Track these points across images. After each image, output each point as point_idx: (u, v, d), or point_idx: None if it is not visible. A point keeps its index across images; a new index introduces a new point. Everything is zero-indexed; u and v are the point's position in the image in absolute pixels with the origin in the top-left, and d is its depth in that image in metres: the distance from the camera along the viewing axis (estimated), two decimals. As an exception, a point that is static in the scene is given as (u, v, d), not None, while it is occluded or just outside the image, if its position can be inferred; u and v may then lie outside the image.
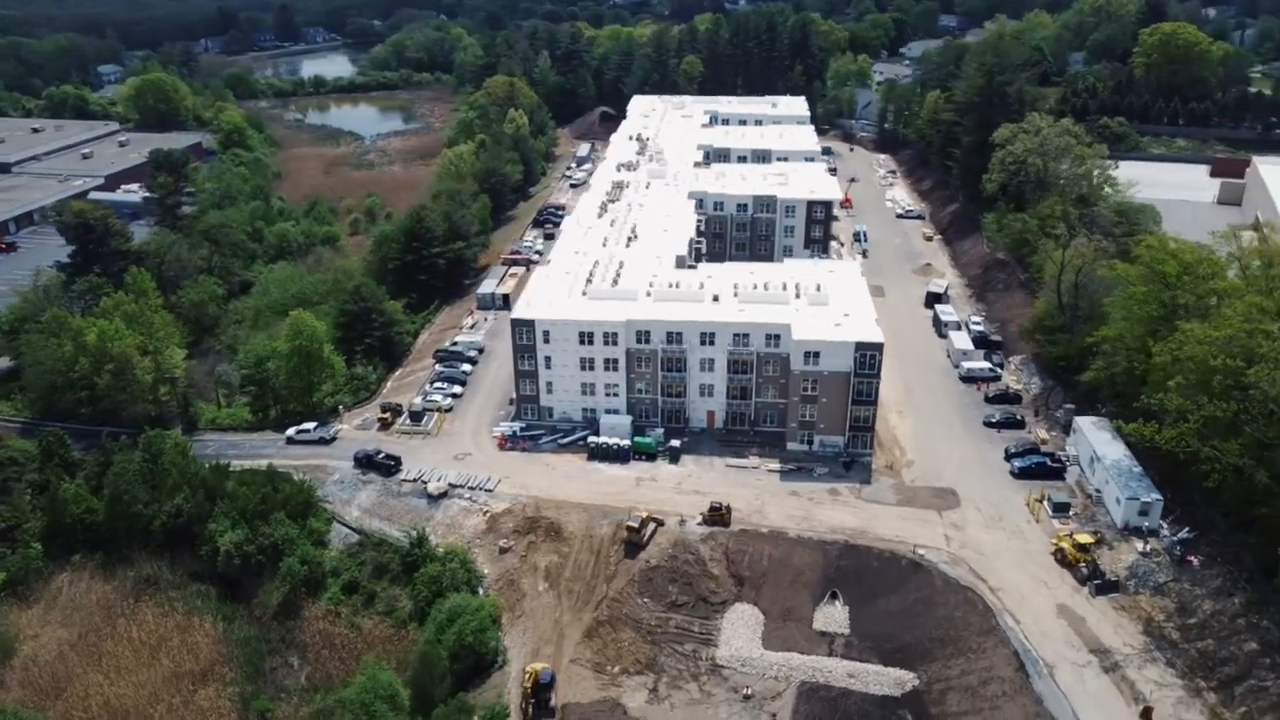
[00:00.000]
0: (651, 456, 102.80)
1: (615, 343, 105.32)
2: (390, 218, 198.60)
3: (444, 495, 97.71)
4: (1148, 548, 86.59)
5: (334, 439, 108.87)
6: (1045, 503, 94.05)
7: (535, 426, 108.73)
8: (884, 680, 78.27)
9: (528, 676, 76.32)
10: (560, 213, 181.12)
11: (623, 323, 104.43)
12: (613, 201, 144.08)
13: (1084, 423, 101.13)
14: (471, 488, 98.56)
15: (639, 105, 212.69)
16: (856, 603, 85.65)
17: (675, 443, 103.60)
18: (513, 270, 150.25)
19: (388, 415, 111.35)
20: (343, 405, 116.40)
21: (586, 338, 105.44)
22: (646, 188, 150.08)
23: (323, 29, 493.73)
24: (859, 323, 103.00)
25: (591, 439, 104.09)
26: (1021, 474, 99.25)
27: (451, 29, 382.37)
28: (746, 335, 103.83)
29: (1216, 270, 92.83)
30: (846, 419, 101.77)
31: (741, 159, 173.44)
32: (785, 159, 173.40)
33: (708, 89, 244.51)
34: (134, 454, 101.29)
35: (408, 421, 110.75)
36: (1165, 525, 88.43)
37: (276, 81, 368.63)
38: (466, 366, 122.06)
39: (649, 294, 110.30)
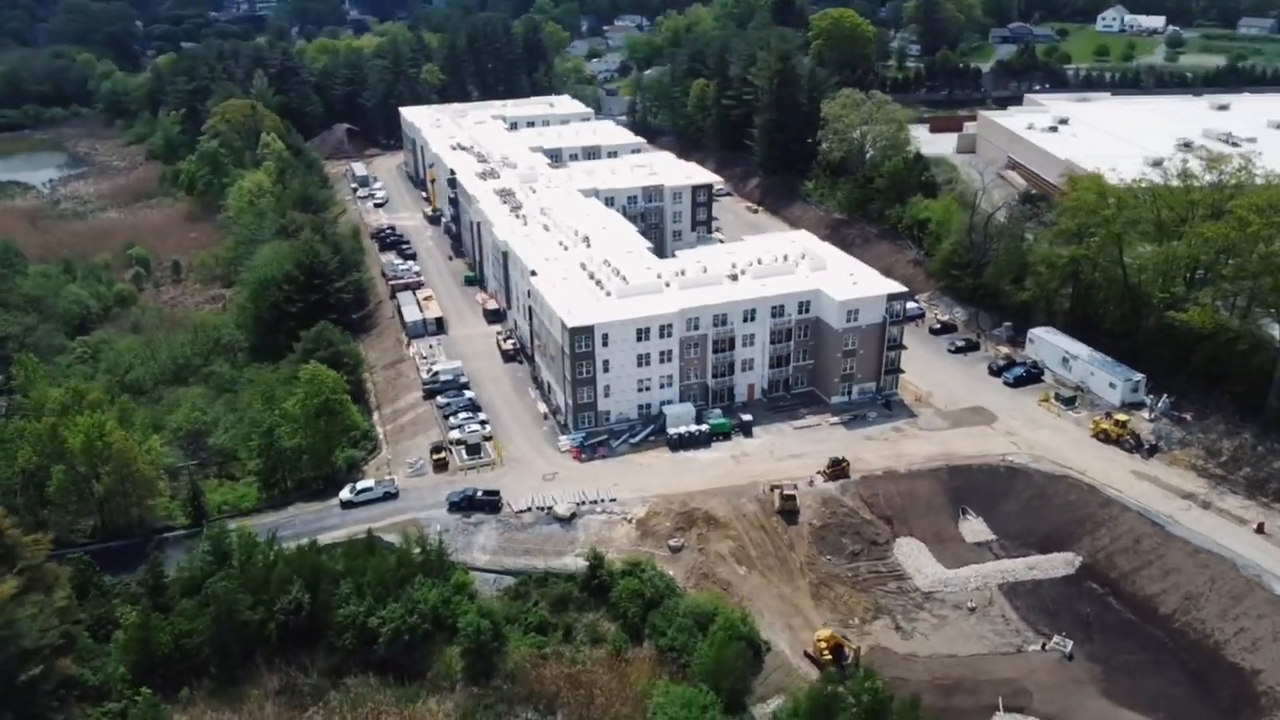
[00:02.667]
0: (726, 435, 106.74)
1: (669, 334, 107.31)
2: (180, 266, 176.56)
3: (574, 515, 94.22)
4: (1151, 416, 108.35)
5: (398, 494, 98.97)
6: (1054, 401, 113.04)
7: (595, 433, 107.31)
8: (1057, 564, 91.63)
9: (825, 644, 78.90)
10: (396, 234, 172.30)
11: (676, 313, 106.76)
12: (518, 209, 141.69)
13: (1039, 332, 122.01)
14: (593, 501, 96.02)
15: (420, 116, 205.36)
16: (985, 512, 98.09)
17: (747, 417, 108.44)
18: (422, 294, 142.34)
19: (443, 455, 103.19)
20: (360, 460, 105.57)
21: (643, 334, 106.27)
22: (533, 192, 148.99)
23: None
24: (870, 278, 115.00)
25: (671, 430, 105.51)
26: (1015, 383, 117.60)
27: (75, 54, 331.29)
28: (782, 306, 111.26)
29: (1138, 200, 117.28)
30: (881, 366, 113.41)
31: (574, 157, 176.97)
32: (614, 154, 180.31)
33: (449, 96, 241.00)
34: (196, 557, 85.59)
35: (465, 457, 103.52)
36: (1149, 398, 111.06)
37: None
38: (470, 393, 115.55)
39: (669, 285, 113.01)
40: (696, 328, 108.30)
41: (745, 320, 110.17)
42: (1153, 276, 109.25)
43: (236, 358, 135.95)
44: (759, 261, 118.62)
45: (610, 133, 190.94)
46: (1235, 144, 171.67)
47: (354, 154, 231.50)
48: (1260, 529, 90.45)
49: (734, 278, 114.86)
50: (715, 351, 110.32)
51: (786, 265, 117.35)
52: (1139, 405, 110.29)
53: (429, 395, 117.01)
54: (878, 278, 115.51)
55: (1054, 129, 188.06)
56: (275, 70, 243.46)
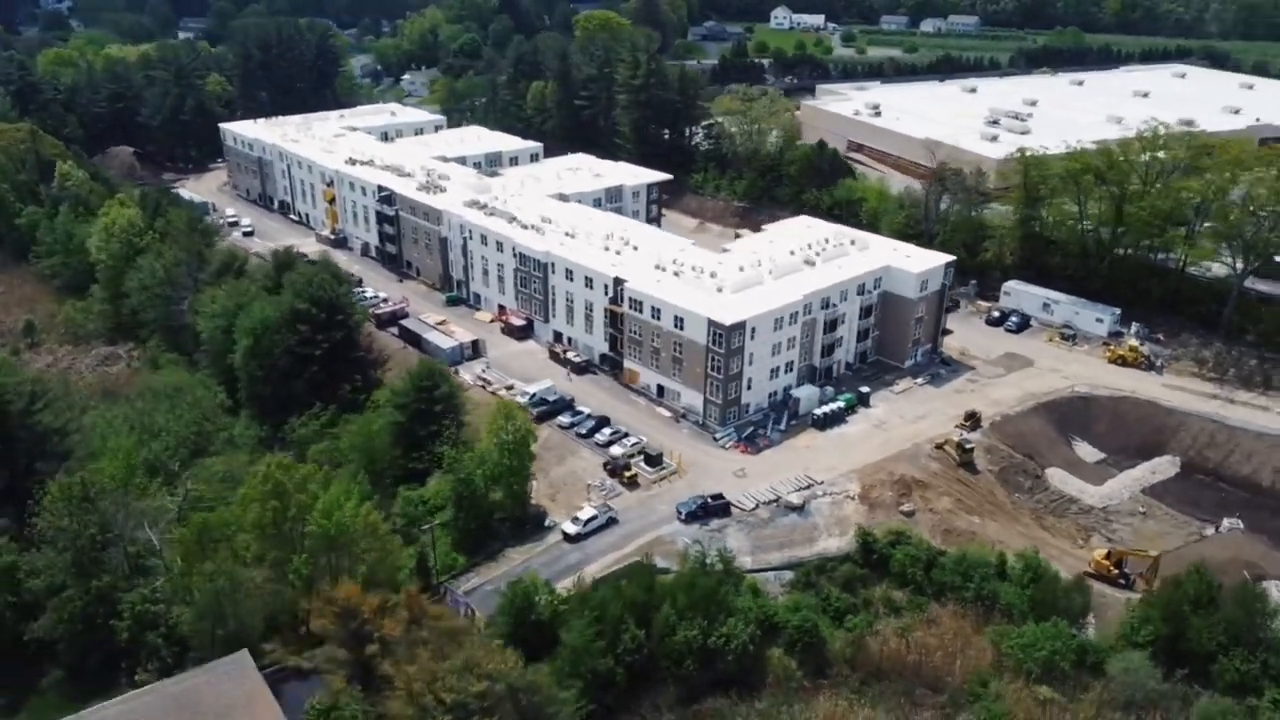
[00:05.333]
0: (852, 408, 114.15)
1: (795, 321, 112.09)
2: (34, 327, 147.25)
3: (805, 503, 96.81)
4: (1135, 341, 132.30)
5: (614, 519, 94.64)
6: (1060, 339, 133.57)
7: (741, 426, 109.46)
8: (1165, 466, 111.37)
9: (1109, 560, 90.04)
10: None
11: (801, 301, 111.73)
12: (514, 219, 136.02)
13: (1014, 285, 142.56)
14: (805, 487, 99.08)
15: (259, 132, 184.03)
16: (1085, 436, 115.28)
17: (865, 389, 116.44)
18: (435, 319, 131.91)
19: (634, 472, 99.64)
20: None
21: (779, 323, 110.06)
22: (504, 202, 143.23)
23: None
24: (914, 252, 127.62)
25: (817, 412, 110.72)
26: (1017, 330, 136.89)
27: None
28: (863, 285, 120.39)
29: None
30: (939, 328, 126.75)
31: (477, 165, 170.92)
32: (515, 160, 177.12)
33: (239, 109, 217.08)
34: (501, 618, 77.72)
35: (649, 469, 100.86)
36: (1125, 328, 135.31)
37: None
38: (585, 408, 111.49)
39: (769, 274, 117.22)
40: (810, 312, 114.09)
41: (842, 300, 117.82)
42: (1136, 226, 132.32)
43: (243, 416, 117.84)
44: (809, 247, 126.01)
45: (496, 138, 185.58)
46: (1021, 118, 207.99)
47: (151, 179, 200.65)
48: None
49: (810, 263, 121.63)
50: (826, 332, 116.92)
51: (842, 249, 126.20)
52: (1118, 335, 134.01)
53: (541, 419, 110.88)
54: (922, 251, 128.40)
55: (878, 113, 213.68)
56: (15, 88, 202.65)
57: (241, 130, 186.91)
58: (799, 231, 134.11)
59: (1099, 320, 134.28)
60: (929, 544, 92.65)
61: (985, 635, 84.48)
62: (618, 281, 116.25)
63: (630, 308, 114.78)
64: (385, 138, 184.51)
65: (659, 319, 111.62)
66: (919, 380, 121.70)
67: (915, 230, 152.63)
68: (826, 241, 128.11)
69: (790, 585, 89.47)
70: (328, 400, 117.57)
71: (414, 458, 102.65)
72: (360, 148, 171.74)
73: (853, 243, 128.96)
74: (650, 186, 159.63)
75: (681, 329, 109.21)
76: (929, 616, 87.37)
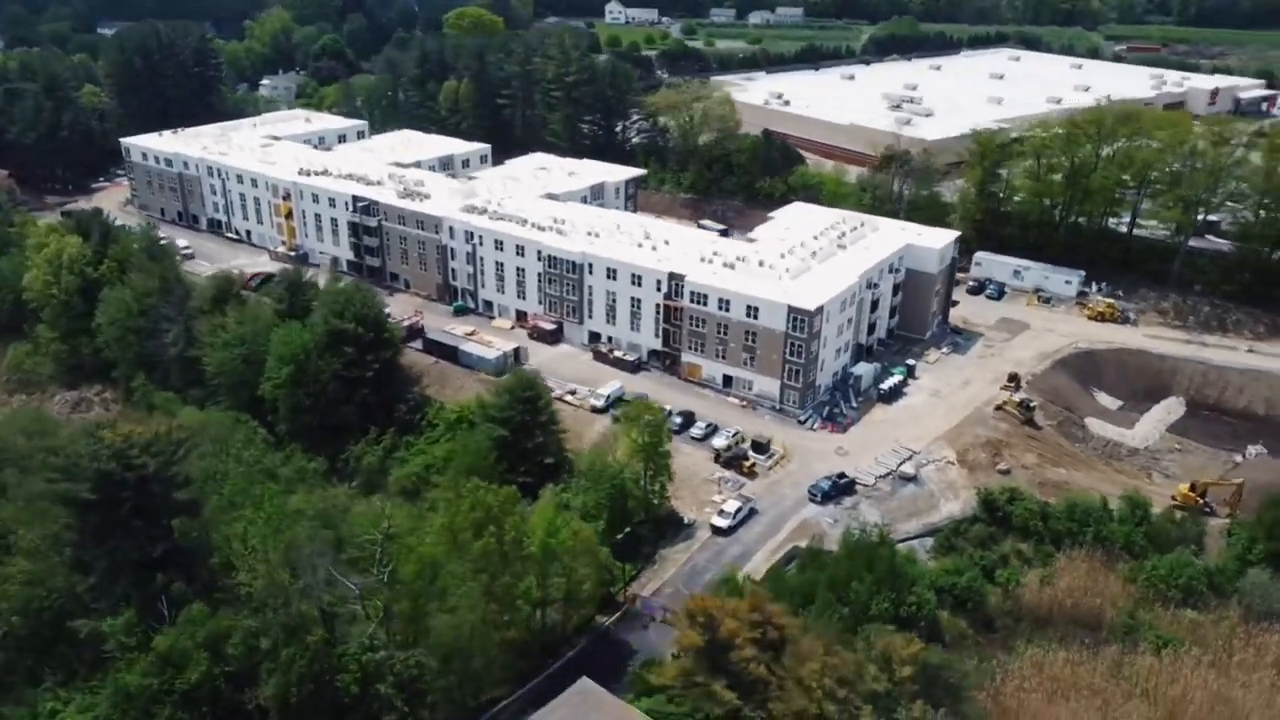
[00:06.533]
0: (905, 381, 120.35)
1: (853, 301, 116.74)
2: None
3: (915, 473, 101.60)
4: (1103, 298, 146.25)
5: (755, 509, 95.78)
6: (1038, 302, 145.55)
7: (818, 407, 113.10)
8: (1174, 407, 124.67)
9: (1194, 492, 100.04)
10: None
11: (856, 281, 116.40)
12: (525, 222, 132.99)
13: (984, 255, 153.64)
14: (908, 458, 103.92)
15: (174, 145, 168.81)
16: (1100, 385, 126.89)
17: (911, 362, 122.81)
18: (465, 329, 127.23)
19: (751, 461, 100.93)
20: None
21: (844, 305, 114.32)
22: (501, 205, 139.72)
23: None
24: (922, 229, 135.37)
25: (881, 386, 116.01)
26: (998, 297, 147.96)
27: None
28: (893, 263, 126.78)
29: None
30: (948, 300, 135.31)
31: (431, 168, 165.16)
32: (466, 162, 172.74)
33: (129, 124, 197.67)
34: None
35: (763, 459, 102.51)
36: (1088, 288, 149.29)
37: None
38: (667, 405, 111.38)
39: (814, 259, 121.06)
40: (860, 291, 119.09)
41: (880, 278, 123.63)
42: (1097, 194, 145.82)
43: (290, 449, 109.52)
44: (834, 229, 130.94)
45: (441, 142, 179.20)
46: (916, 102, 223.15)
47: (34, 202, 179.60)
48: (1250, 350, 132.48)
49: (842, 246, 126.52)
50: (872, 310, 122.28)
51: (858, 231, 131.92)
52: (1083, 294, 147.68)
53: (618, 421, 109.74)
54: (925, 228, 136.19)
55: (788, 103, 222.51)
56: None
57: (152, 145, 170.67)
58: (802, 218, 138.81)
59: (1067, 282, 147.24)
60: (1034, 497, 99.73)
61: (1117, 573, 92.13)
62: (673, 276, 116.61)
63: (692, 301, 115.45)
64: (323, 143, 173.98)
65: (728, 310, 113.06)
66: (944, 350, 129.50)
67: (881, 211, 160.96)
68: (844, 223, 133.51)
69: (934, 550, 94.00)
70: (381, 425, 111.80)
71: (521, 471, 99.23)
72: (305, 158, 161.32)
73: (861, 225, 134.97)
74: (628, 183, 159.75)
75: (756, 318, 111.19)
76: (1059, 564, 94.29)
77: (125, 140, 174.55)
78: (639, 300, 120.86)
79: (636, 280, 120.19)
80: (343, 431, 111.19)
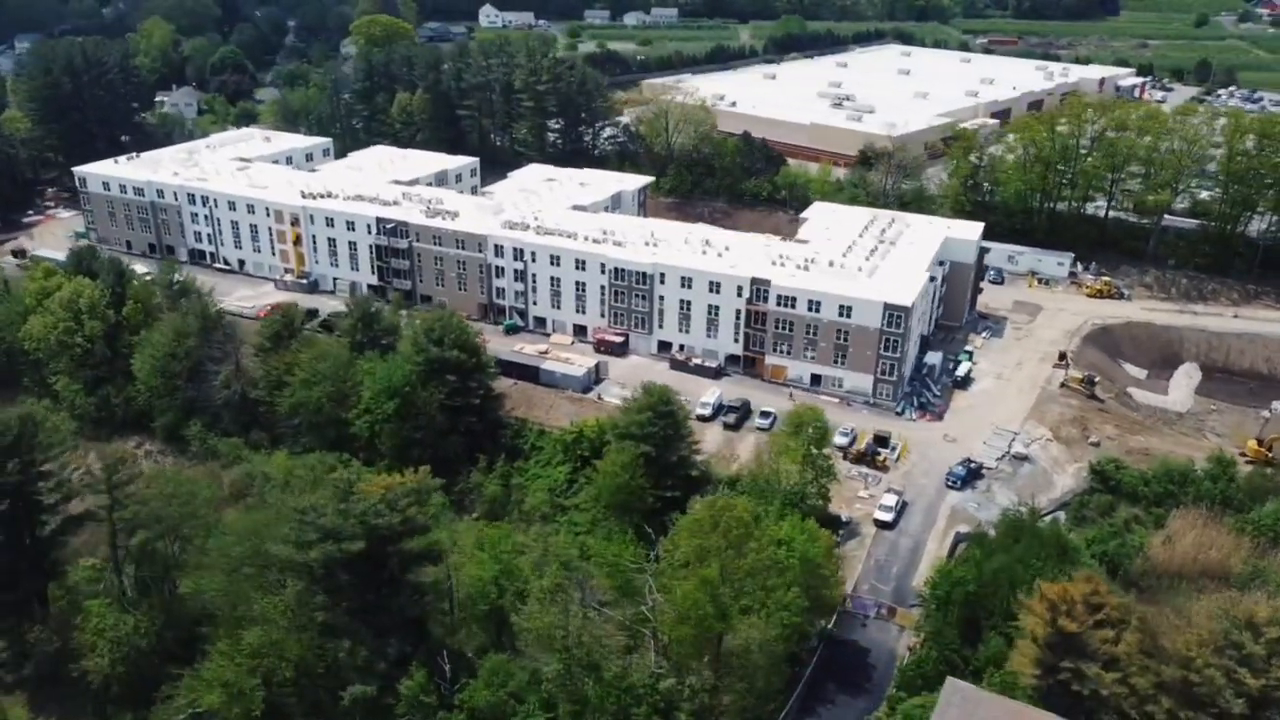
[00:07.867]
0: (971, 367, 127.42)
1: (926, 295, 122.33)
2: None
3: (1027, 453, 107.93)
4: (1093, 276, 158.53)
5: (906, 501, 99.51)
6: (1037, 284, 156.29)
7: (908, 398, 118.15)
8: (1193, 372, 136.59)
9: (1265, 448, 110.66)
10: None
11: (926, 279, 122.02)
12: (573, 235, 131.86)
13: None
14: (1012, 441, 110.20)
15: (138, 172, 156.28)
16: (1123, 357, 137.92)
17: (969, 348, 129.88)
18: (538, 349, 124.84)
19: (883, 456, 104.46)
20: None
21: (924, 299, 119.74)
22: (536, 218, 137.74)
23: None
24: (950, 223, 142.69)
25: (958, 374, 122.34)
26: (1001, 281, 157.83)
27: None
28: (941, 256, 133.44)
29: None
30: (976, 288, 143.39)
31: (429, 183, 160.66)
32: (459, 177, 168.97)
33: (57, 151, 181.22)
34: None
35: (887, 452, 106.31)
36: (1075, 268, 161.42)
37: None
38: (769, 409, 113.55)
39: (872, 253, 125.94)
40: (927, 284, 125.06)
41: (935, 272, 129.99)
42: (1077, 183, 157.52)
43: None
44: (874, 227, 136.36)
45: (426, 158, 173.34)
46: (852, 99, 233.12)
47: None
48: (1235, 316, 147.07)
49: (892, 243, 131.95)
50: (931, 302, 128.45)
51: (897, 227, 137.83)
52: (1074, 275, 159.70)
53: (729, 428, 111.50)
54: (953, 222, 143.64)
55: (733, 104, 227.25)
56: None
57: (115, 173, 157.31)
58: (833, 218, 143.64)
59: (1060, 264, 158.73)
60: (1131, 465, 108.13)
61: (1226, 527, 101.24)
62: (755, 281, 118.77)
63: (779, 304, 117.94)
64: (308, 161, 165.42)
65: (818, 311, 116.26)
66: (982, 335, 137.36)
67: (873, 207, 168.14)
68: (878, 220, 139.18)
69: (1069, 522, 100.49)
70: (490, 452, 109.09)
71: (667, 485, 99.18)
72: (297, 180, 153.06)
73: (892, 221, 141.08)
74: (640, 190, 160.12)
75: (849, 317, 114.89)
76: (1174, 524, 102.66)
77: (80, 169, 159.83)
78: (716, 307, 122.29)
79: (715, 287, 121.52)
80: (451, 462, 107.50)
